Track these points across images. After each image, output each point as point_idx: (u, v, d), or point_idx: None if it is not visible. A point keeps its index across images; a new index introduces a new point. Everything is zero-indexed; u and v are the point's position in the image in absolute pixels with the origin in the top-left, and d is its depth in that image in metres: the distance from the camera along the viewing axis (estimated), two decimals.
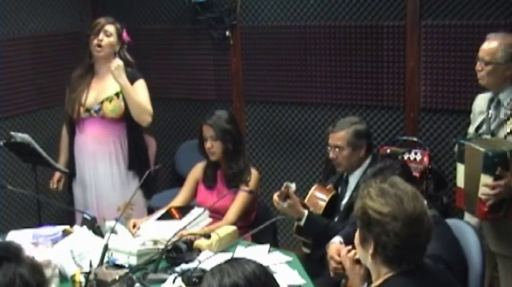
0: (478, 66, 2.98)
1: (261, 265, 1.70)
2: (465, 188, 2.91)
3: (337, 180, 3.25)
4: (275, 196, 2.97)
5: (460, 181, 2.94)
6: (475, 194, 2.79)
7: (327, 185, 3.28)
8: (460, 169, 2.93)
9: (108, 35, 3.45)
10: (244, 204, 3.19)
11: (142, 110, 3.44)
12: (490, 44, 2.94)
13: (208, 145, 3.24)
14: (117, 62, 3.37)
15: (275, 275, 2.55)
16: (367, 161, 3.10)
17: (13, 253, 1.56)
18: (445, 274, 2.03)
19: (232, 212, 3.16)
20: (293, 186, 2.93)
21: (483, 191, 2.74)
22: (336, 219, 3.10)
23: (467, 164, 2.87)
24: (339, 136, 3.07)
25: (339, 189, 3.20)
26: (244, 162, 3.27)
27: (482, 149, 2.72)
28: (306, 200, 3.11)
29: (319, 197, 3.15)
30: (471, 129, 3.19)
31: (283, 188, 2.93)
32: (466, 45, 3.79)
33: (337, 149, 3.07)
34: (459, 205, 3.05)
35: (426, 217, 1.86)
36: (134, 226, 3.08)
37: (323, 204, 3.12)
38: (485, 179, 2.72)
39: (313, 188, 3.22)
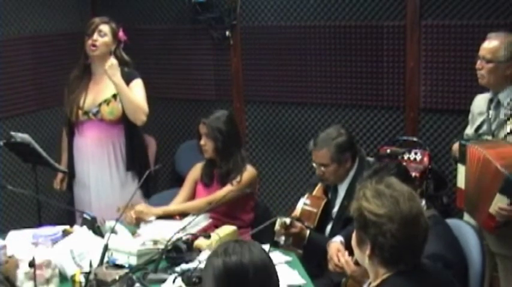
0: (479, 64, 2.98)
1: (265, 250, 1.75)
2: (466, 190, 2.91)
3: (327, 185, 3.21)
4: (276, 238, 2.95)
5: (461, 182, 2.94)
6: (485, 206, 2.75)
7: (316, 186, 3.23)
8: (461, 169, 2.92)
9: (102, 35, 3.43)
10: (225, 194, 3.17)
11: (137, 109, 3.43)
12: (492, 43, 2.95)
13: (202, 142, 3.29)
14: (111, 61, 3.36)
15: None
16: (354, 168, 3.06)
17: None
18: (443, 273, 2.03)
19: (208, 198, 3.21)
20: (288, 220, 2.90)
21: (496, 211, 2.70)
22: (329, 226, 3.08)
23: (470, 167, 2.85)
24: (322, 154, 3.01)
25: (329, 195, 3.17)
26: (235, 163, 3.26)
27: (504, 171, 2.65)
28: (299, 214, 3.09)
29: (311, 206, 3.12)
30: (469, 130, 3.18)
31: (278, 226, 2.88)
32: (466, 45, 3.79)
33: (322, 167, 3.03)
34: (459, 205, 3.04)
35: (422, 217, 1.86)
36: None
37: (317, 212, 3.08)
38: (501, 200, 2.68)
39: (305, 197, 3.16)
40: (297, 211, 3.09)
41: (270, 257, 1.76)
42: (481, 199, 2.80)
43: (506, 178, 2.65)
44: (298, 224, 2.92)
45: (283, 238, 2.91)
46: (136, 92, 3.47)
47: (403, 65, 4.05)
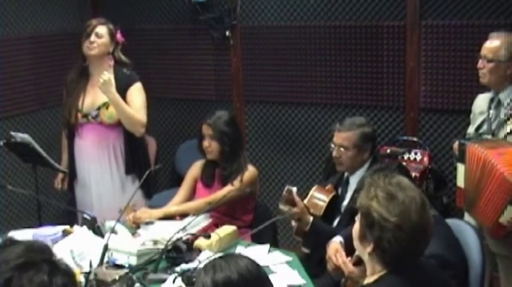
0: (480, 64, 2.99)
1: (253, 260, 1.72)
2: (465, 189, 2.91)
3: (337, 181, 3.24)
4: (280, 205, 2.97)
5: (460, 181, 2.94)
6: (493, 214, 2.73)
7: (326, 186, 3.27)
8: (461, 169, 2.93)
9: (99, 36, 3.40)
10: (226, 194, 3.17)
11: (134, 123, 3.41)
12: (493, 42, 2.96)
13: (206, 143, 3.27)
14: (104, 77, 3.27)
15: (275, 275, 2.57)
16: (368, 162, 3.09)
17: (48, 258, 1.48)
18: (437, 269, 2.04)
19: (208, 198, 3.21)
20: (294, 189, 2.92)
21: (509, 221, 2.69)
22: (337, 220, 3.09)
23: (469, 166, 2.85)
24: (345, 136, 3.04)
25: (339, 190, 3.20)
26: (238, 164, 3.26)
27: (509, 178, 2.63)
28: (305, 201, 3.10)
29: (319, 198, 3.14)
30: (471, 130, 3.19)
31: (284, 193, 2.92)
32: (466, 45, 3.79)
33: (341, 149, 3.05)
34: (459, 205, 3.04)
35: (430, 227, 1.85)
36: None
37: (323, 205, 3.11)
38: None
39: (312, 189, 3.20)
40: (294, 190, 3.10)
41: (259, 266, 1.73)
42: (485, 203, 2.79)
43: None
44: (302, 205, 2.92)
45: (287, 206, 2.91)
46: (135, 99, 3.44)
47: (403, 65, 4.05)
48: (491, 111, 3.02)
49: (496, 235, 2.82)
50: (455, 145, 3.10)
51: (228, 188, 3.21)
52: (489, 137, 2.97)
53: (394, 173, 2.39)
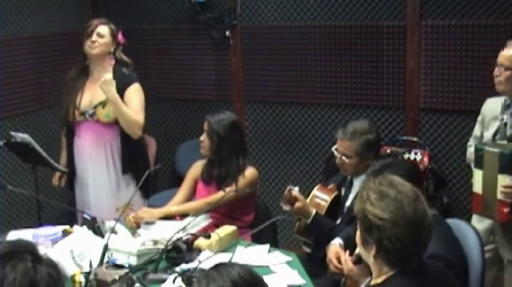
0: (496, 71, 2.95)
1: (245, 266, 1.71)
2: (484, 193, 2.87)
3: (340, 181, 3.23)
4: (281, 204, 2.99)
5: (478, 187, 2.89)
6: (493, 197, 2.75)
7: (328, 185, 3.27)
8: (478, 174, 2.88)
9: (101, 36, 3.42)
10: (225, 194, 3.16)
11: (131, 124, 3.41)
12: (510, 50, 2.92)
13: (201, 137, 3.29)
14: (105, 77, 3.29)
15: (275, 275, 2.57)
16: (373, 164, 3.08)
17: (30, 250, 1.51)
18: (444, 272, 2.04)
19: (208, 199, 3.20)
20: (296, 189, 2.93)
21: (502, 192, 2.70)
22: (339, 220, 3.09)
23: (485, 169, 2.85)
24: (348, 145, 3.01)
25: (342, 190, 3.19)
26: (228, 169, 3.24)
27: (496, 150, 2.72)
28: (307, 200, 3.10)
29: (321, 197, 3.14)
30: (477, 132, 3.16)
31: (286, 192, 2.94)
32: (466, 45, 3.79)
33: (344, 157, 3.03)
34: (476, 210, 3.01)
35: (427, 218, 1.85)
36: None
37: (325, 205, 3.11)
38: (504, 180, 2.70)
39: (315, 188, 3.20)
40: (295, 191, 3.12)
41: (251, 271, 1.71)
42: (492, 193, 2.79)
43: (500, 154, 2.69)
44: (303, 200, 2.96)
45: (288, 206, 2.95)
46: (133, 100, 3.43)
47: (403, 65, 4.05)
48: (505, 117, 2.98)
49: (502, 216, 2.78)
50: (469, 153, 3.08)
51: (221, 194, 3.19)
52: (504, 142, 2.95)
53: (400, 172, 2.38)
